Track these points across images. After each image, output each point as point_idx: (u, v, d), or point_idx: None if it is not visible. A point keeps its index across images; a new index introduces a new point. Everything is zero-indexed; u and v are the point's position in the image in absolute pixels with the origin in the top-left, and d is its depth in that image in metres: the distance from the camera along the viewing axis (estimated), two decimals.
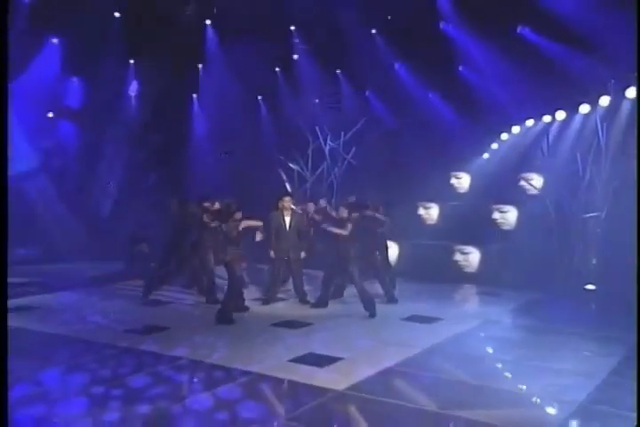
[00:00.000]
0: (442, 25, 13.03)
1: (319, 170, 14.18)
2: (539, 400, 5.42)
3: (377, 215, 9.73)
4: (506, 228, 12.64)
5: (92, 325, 7.88)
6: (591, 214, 10.85)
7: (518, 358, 6.78)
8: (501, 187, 13.02)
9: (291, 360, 6.36)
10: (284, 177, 14.03)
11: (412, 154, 13.88)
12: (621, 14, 10.03)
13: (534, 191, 12.53)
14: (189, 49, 13.39)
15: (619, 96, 10.88)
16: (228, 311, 7.89)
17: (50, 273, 11.77)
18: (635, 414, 4.34)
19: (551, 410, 5.20)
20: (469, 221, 12.40)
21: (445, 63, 13.43)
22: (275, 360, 6.36)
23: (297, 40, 13.63)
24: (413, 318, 8.42)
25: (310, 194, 14.06)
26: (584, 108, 11.65)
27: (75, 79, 14.55)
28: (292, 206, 9.34)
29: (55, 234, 12.89)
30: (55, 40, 13.53)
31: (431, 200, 13.64)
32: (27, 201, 13.13)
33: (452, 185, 14.25)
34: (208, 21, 13.20)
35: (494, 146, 14.18)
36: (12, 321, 7.90)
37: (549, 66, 11.75)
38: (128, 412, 4.90)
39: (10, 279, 10.79)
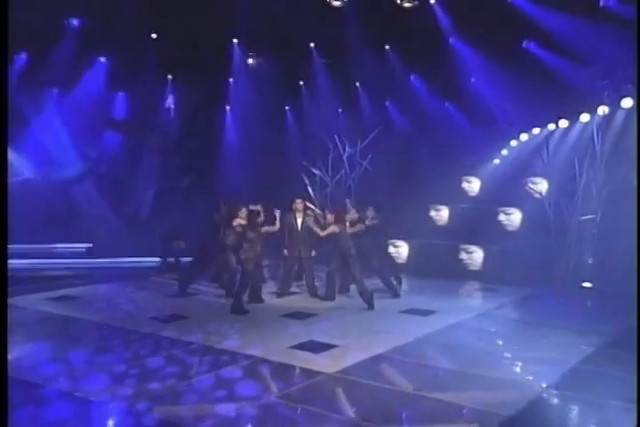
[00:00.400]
0: (451, 40, 13.19)
1: (339, 175, 14.44)
2: (507, 384, 5.64)
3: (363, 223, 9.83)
4: (510, 229, 12.70)
5: (122, 313, 8.38)
6: (587, 217, 10.88)
7: (500, 347, 7.03)
8: (508, 190, 13.10)
9: (291, 347, 6.71)
10: (307, 181, 14.33)
11: (426, 160, 14.12)
12: (616, 33, 10.16)
13: (539, 195, 12.57)
14: (220, 65, 13.84)
15: (614, 106, 10.92)
16: (240, 303, 8.28)
17: (93, 267, 12.36)
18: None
19: (516, 393, 5.40)
20: (476, 223, 12.54)
21: (458, 76, 13.65)
22: (277, 346, 6.71)
23: (317, 56, 13.91)
24: (411, 311, 8.66)
25: (331, 197, 14.38)
26: (584, 117, 11.69)
27: (120, 94, 15.14)
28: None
29: (99, 232, 13.46)
30: (103, 59, 14.11)
31: (442, 203, 13.78)
32: (74, 203, 13.76)
33: (463, 189, 14.37)
34: (235, 40, 13.61)
35: (504, 152, 14.30)
36: (56, 308, 8.57)
37: (553, 78, 11.88)
38: (141, 387, 5.32)
39: (58, 272, 11.54)
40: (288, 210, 9.62)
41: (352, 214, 9.81)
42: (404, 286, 10.67)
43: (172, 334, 7.15)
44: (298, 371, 5.95)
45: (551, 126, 12.76)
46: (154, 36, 12.97)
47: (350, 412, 4.97)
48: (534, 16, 11.40)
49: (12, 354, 5.84)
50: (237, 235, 9.05)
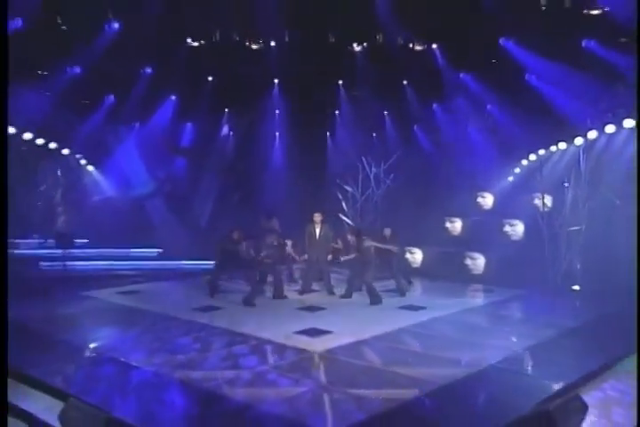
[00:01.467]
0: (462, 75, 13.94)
1: (367, 191, 15.31)
2: (456, 363, 6.40)
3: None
4: (515, 238, 13.20)
5: (171, 304, 9.56)
6: (574, 228, 11.31)
7: (467, 335, 7.69)
8: (514, 204, 13.57)
9: (295, 332, 7.65)
10: (341, 197, 15.27)
11: (443, 177, 14.77)
12: (597, 71, 10.66)
13: (545, 208, 12.97)
14: (265, 100, 15.11)
15: (600, 132, 11.30)
16: (251, 297, 9.34)
17: (162, 268, 13.71)
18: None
19: (460, 369, 6.14)
20: (483, 233, 13.14)
21: (476, 104, 14.34)
22: (284, 331, 7.66)
23: (348, 89, 14.94)
24: (407, 307, 9.42)
25: (360, 210, 15.28)
26: (578, 141, 12.09)
27: (188, 124, 16.63)
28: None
29: (168, 239, 14.78)
30: (173, 97, 15.62)
31: (456, 215, 14.40)
32: (147, 215, 15.25)
33: (478, 203, 14.89)
34: (276, 80, 14.84)
35: (517, 170, 14.76)
36: (121, 300, 9.90)
37: (552, 107, 12.36)
38: (169, 357, 6.44)
39: (131, 272, 12.90)
40: (310, 221, 10.61)
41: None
42: (415, 286, 11.43)
43: (204, 320, 8.29)
44: (293, 350, 6.90)
45: (552, 148, 13.21)
46: (209, 78, 14.35)
47: (322, 378, 5.90)
48: (528, 58, 11.98)
49: (83, 329, 7.11)
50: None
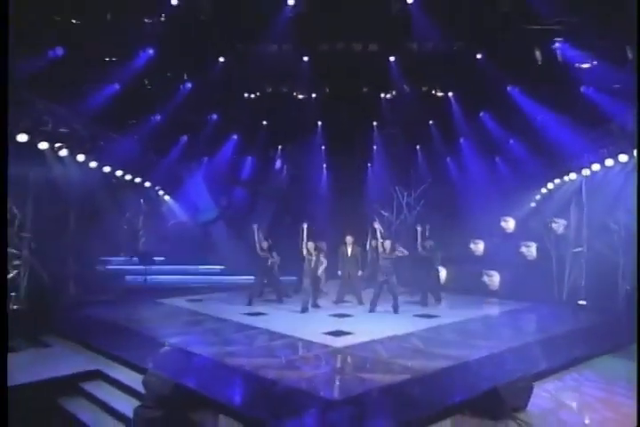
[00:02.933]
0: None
1: (401, 216, 16.57)
2: (446, 357, 7.53)
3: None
4: (530, 258, 14.08)
5: (226, 309, 11.12)
6: (577, 249, 12.16)
7: (463, 337, 8.78)
8: (531, 227, 14.45)
9: (322, 333, 8.99)
10: (377, 220, 16.55)
11: (468, 203, 15.79)
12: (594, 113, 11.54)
13: (561, 231, 13.75)
14: (311, 137, 16.83)
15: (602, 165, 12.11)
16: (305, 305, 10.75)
17: (222, 281, 15.38)
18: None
19: (447, 361, 7.29)
20: (500, 253, 14.10)
21: (496, 141, 15.41)
22: (313, 332, 9.01)
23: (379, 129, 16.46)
24: (422, 315, 10.61)
25: (395, 233, 16.51)
26: (585, 172, 12.92)
27: (249, 158, 18.50)
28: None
29: (228, 258, 16.46)
30: (235, 136, 17.54)
31: (480, 237, 15.39)
32: (212, 237, 17.09)
33: (501, 226, 15.80)
34: (320, 122, 16.52)
35: (537, 197, 15.61)
36: (186, 305, 11.56)
37: (562, 144, 13.22)
38: (221, 348, 7.94)
39: (199, 285, 14.56)
40: (342, 242, 12.02)
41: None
42: (443, 300, 12.42)
43: (249, 322, 9.78)
44: (318, 345, 8.24)
45: (566, 178, 14.04)
46: (264, 122, 16.23)
47: (337, 365, 7.24)
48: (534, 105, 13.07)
49: (158, 326, 8.80)
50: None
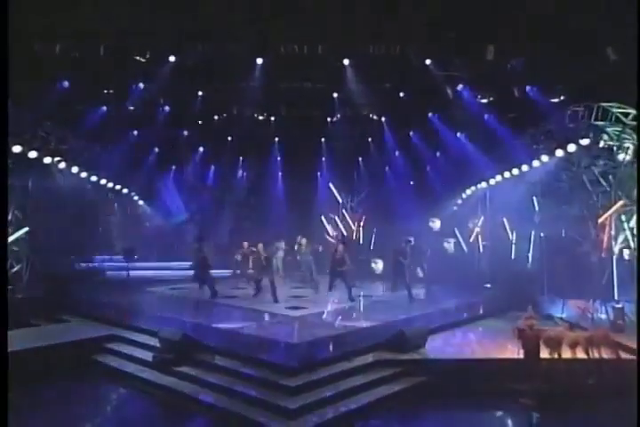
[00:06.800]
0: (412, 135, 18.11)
1: (345, 218, 19.42)
2: (377, 319, 10.25)
3: None
4: (450, 252, 17.15)
5: (205, 294, 13.50)
6: (484, 243, 15.30)
7: (388, 308, 11.55)
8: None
9: (286, 307, 11.56)
10: (326, 222, 19.36)
11: (404, 206, 18.67)
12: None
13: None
14: (269, 151, 19.55)
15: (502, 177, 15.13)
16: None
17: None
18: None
19: (376, 322, 10.03)
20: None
21: (425, 153, 18.41)
22: (278, 307, 11.59)
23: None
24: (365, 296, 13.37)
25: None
26: (491, 182, 15.96)
27: (212, 167, 20.91)
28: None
29: None
30: (201, 149, 19.93)
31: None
32: (182, 236, 19.46)
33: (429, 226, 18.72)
34: (276, 138, 19.22)
35: (459, 201, 18.66)
36: (172, 293, 13.82)
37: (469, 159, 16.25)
38: (206, 318, 10.40)
39: (170, 278, 16.78)
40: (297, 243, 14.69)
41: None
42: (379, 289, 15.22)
43: (228, 302, 12.26)
44: (281, 316, 10.78)
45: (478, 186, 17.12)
46: (229, 138, 18.81)
47: (294, 326, 9.85)
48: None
49: (153, 304, 11.19)
50: None
